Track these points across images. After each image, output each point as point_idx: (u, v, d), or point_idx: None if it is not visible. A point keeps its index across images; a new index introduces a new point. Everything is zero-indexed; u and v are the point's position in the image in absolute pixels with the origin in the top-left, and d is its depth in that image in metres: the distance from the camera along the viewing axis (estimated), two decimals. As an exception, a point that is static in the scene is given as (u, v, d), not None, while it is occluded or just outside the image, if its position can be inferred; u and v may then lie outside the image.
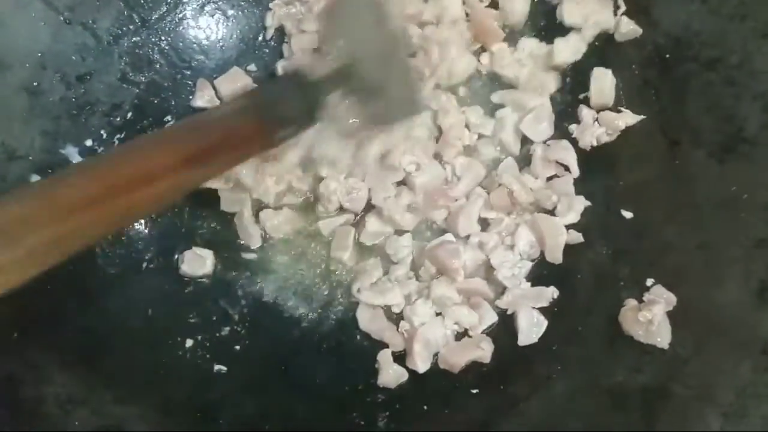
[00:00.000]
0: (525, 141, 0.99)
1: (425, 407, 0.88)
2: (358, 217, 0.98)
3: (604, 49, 0.98)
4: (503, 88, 1.02)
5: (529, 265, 0.93)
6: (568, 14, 0.99)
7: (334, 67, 0.76)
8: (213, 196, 0.97)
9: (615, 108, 0.96)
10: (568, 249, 0.92)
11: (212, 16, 1.05)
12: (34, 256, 0.56)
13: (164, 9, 1.02)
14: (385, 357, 0.90)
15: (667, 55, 0.92)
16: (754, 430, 0.72)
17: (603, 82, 0.96)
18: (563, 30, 1.00)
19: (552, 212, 0.94)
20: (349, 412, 0.88)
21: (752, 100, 0.83)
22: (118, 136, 0.98)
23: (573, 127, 0.97)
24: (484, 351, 0.88)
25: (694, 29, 0.89)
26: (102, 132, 0.97)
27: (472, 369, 0.89)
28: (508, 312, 0.91)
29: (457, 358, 0.88)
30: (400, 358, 0.90)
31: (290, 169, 0.96)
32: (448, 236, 0.94)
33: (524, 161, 0.98)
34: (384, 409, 0.88)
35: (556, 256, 0.92)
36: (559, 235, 0.92)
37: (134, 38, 1.00)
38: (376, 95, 0.77)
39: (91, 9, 0.97)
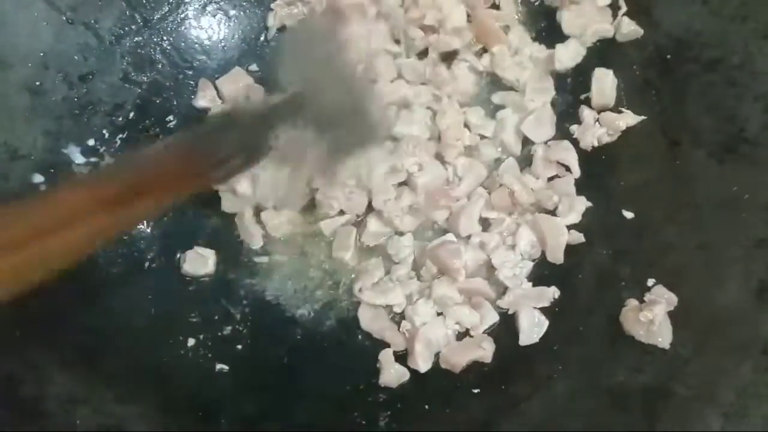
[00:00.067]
0: (526, 141, 0.99)
1: (426, 407, 0.88)
2: (359, 218, 0.98)
3: (605, 49, 0.99)
4: (504, 89, 1.02)
5: (530, 265, 0.94)
6: (567, 25, 1.00)
7: (285, 97, 0.73)
8: (215, 196, 0.97)
9: (616, 108, 0.96)
10: (569, 249, 0.92)
11: (214, 16, 1.06)
12: None
13: (166, 9, 1.03)
14: (386, 357, 0.90)
15: (668, 56, 0.92)
16: (755, 430, 0.72)
17: (604, 82, 0.97)
18: (563, 32, 1.00)
19: (553, 212, 0.94)
20: (351, 411, 0.88)
21: (753, 101, 0.83)
22: (120, 135, 0.99)
23: (574, 128, 0.98)
24: (485, 351, 0.88)
25: (695, 30, 0.89)
26: (104, 132, 0.98)
27: (473, 369, 0.89)
28: (510, 312, 0.91)
29: (459, 358, 0.88)
30: (401, 357, 0.90)
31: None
32: (450, 236, 0.94)
33: (525, 162, 0.99)
34: (385, 408, 0.88)
35: (557, 256, 0.92)
36: (560, 236, 0.92)
37: (136, 38, 1.01)
38: (331, 126, 0.75)
39: (94, 9, 0.97)
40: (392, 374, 0.88)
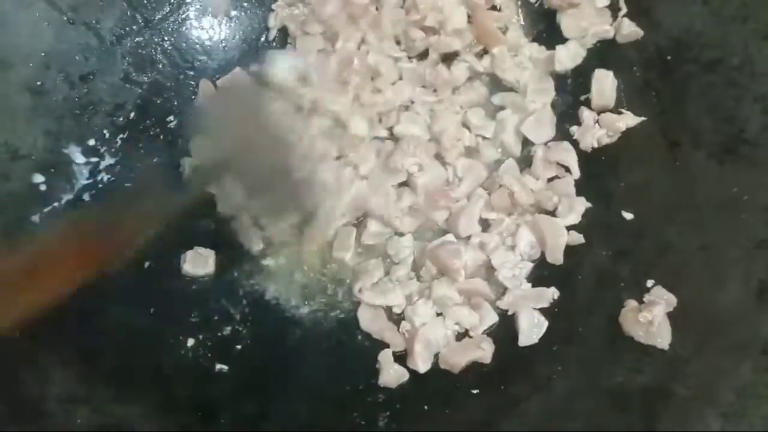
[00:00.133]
0: (526, 142, 0.99)
1: (426, 407, 0.88)
2: (359, 218, 0.98)
3: (605, 50, 0.99)
4: (504, 90, 1.02)
5: (529, 265, 0.94)
6: (566, 29, 1.00)
7: (207, 161, 0.74)
8: (215, 196, 0.97)
9: (616, 109, 0.96)
10: (569, 250, 0.92)
11: (215, 16, 1.06)
12: None
13: (167, 9, 1.03)
14: (385, 357, 0.90)
15: (668, 57, 0.92)
16: (755, 431, 0.72)
17: (604, 83, 0.97)
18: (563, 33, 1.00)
19: (553, 213, 0.94)
20: (350, 411, 0.88)
21: (753, 102, 0.83)
22: (120, 135, 0.99)
23: (574, 129, 0.98)
24: (484, 351, 0.88)
25: (695, 31, 0.89)
26: (105, 132, 0.98)
27: (472, 369, 0.89)
28: (509, 312, 0.91)
29: (458, 359, 0.88)
30: (400, 358, 0.90)
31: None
32: (449, 237, 0.95)
33: (525, 162, 0.99)
34: (385, 409, 0.88)
35: (556, 257, 0.92)
36: (559, 236, 0.92)
37: (137, 38, 1.01)
38: (259, 189, 0.76)
39: (95, 9, 0.97)
40: (392, 374, 0.88)
